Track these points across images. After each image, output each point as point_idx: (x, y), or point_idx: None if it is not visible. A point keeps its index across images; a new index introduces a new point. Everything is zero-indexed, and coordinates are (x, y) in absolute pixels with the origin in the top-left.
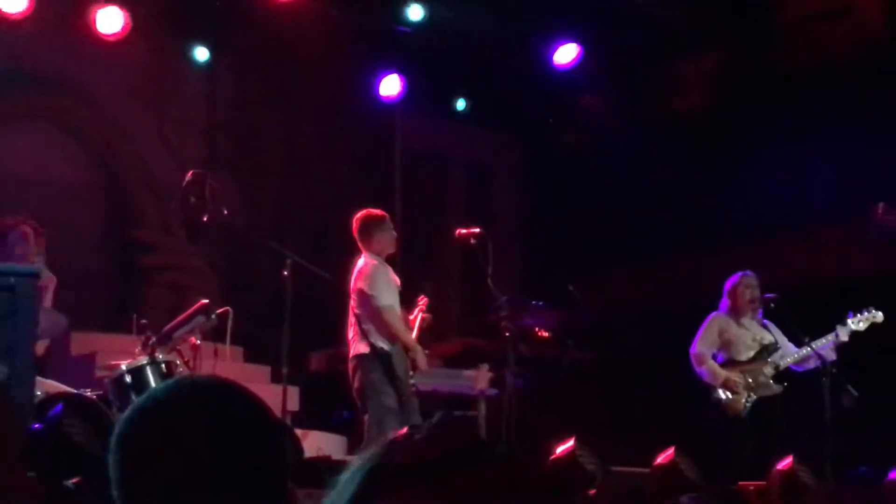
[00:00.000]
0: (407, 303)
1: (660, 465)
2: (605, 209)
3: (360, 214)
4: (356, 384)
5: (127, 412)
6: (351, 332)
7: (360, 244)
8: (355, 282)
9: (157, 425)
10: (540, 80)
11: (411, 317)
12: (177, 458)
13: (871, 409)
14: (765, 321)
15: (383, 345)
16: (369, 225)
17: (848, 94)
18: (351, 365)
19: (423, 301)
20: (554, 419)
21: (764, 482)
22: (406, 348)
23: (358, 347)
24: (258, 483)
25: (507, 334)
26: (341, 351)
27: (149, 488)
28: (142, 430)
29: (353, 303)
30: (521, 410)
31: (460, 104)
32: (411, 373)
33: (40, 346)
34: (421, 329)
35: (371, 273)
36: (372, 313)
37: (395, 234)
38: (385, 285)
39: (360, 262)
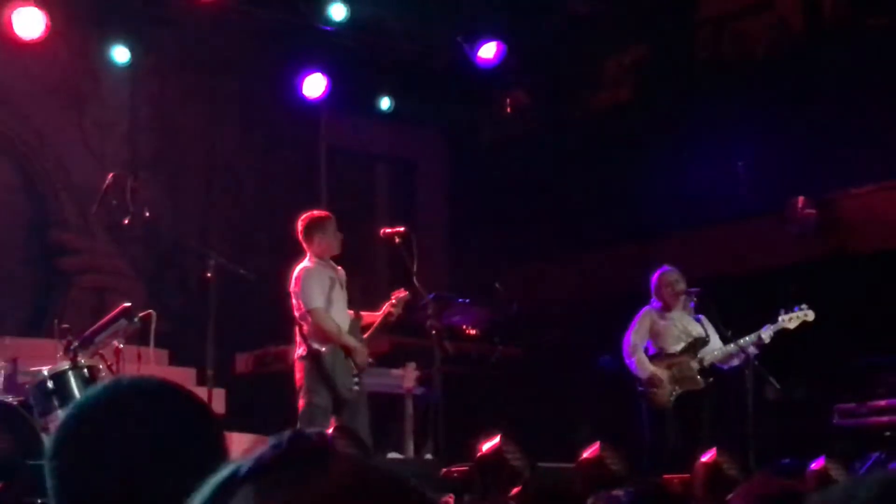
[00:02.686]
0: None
1: (585, 459)
2: (530, 205)
3: (303, 216)
4: (296, 383)
5: (62, 418)
6: (296, 334)
7: (303, 245)
8: (292, 285)
9: (94, 429)
10: (464, 77)
11: (381, 310)
12: (117, 462)
13: (794, 401)
14: (697, 315)
15: (317, 346)
16: (311, 227)
17: (768, 87)
18: (294, 365)
19: (396, 295)
20: (481, 416)
21: (688, 475)
22: (344, 349)
23: (298, 348)
24: (201, 479)
25: (434, 332)
26: (268, 351)
27: (89, 494)
28: (79, 435)
29: (292, 306)
30: (448, 407)
31: (385, 103)
32: (355, 372)
33: None
34: (385, 323)
35: (302, 276)
36: (304, 315)
37: (339, 234)
38: (318, 287)
39: (300, 265)
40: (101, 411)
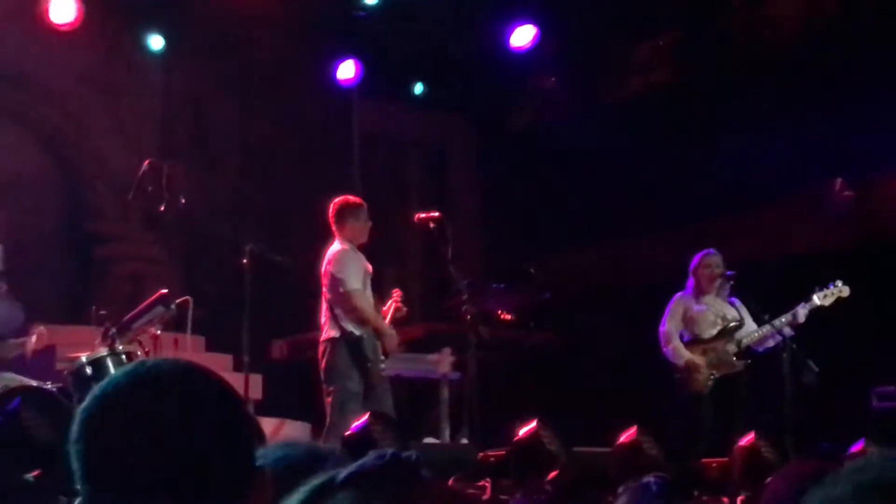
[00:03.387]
0: (378, 289)
1: (622, 444)
2: (563, 190)
3: (337, 200)
4: (323, 366)
5: (87, 400)
6: (323, 317)
7: (333, 229)
8: (326, 266)
9: (120, 411)
10: (496, 62)
11: (384, 307)
12: (143, 443)
13: (833, 384)
14: (731, 299)
15: (353, 329)
16: (345, 211)
17: (806, 70)
18: (321, 348)
19: (397, 294)
20: (516, 401)
21: (726, 459)
22: (377, 332)
23: (329, 331)
24: (228, 461)
25: (468, 318)
26: (303, 337)
27: (116, 476)
28: (105, 417)
29: (324, 287)
30: (484, 393)
31: (417, 88)
32: (382, 357)
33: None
34: (393, 319)
35: (341, 257)
36: (341, 297)
37: (369, 223)
38: (355, 270)
39: (332, 247)
40: (124, 393)
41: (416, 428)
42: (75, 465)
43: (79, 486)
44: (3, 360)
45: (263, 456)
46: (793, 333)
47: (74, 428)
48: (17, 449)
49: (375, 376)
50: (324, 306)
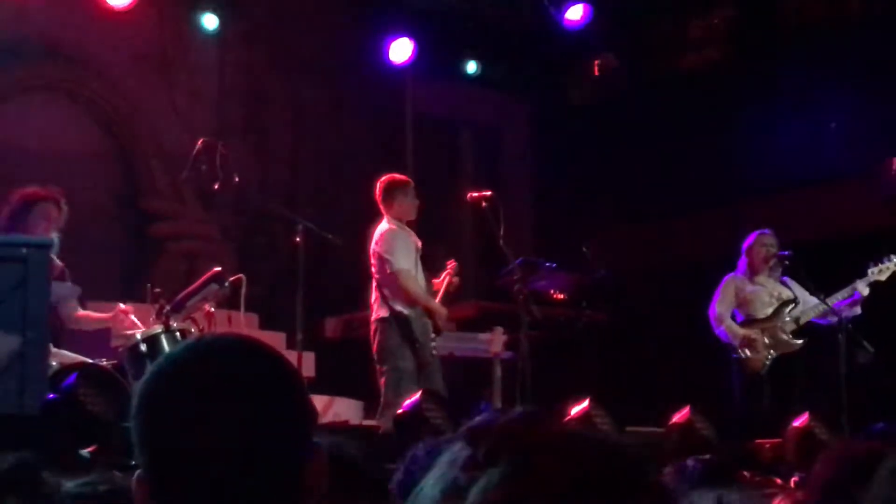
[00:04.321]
0: (430, 268)
1: (675, 424)
2: (616, 169)
3: (383, 178)
4: (375, 347)
5: (147, 374)
6: (372, 296)
7: (381, 207)
8: (374, 246)
9: (179, 385)
10: (550, 40)
11: (437, 280)
12: (202, 417)
13: (889, 365)
14: (783, 278)
15: (402, 308)
16: (392, 189)
17: (859, 48)
18: (372, 328)
19: (451, 265)
20: (568, 381)
21: (780, 440)
22: (427, 310)
23: (378, 311)
24: (285, 436)
25: (521, 297)
26: (357, 316)
27: (175, 450)
28: (165, 391)
29: (372, 267)
30: (537, 372)
31: (471, 67)
32: (433, 335)
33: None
34: (447, 293)
35: (388, 237)
36: (389, 277)
37: (416, 201)
38: (403, 249)
39: (380, 226)
40: (183, 368)
41: (469, 407)
42: (135, 438)
43: (137, 460)
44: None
45: None
46: (859, 313)
47: (134, 402)
48: (73, 425)
49: (426, 355)
50: (373, 285)
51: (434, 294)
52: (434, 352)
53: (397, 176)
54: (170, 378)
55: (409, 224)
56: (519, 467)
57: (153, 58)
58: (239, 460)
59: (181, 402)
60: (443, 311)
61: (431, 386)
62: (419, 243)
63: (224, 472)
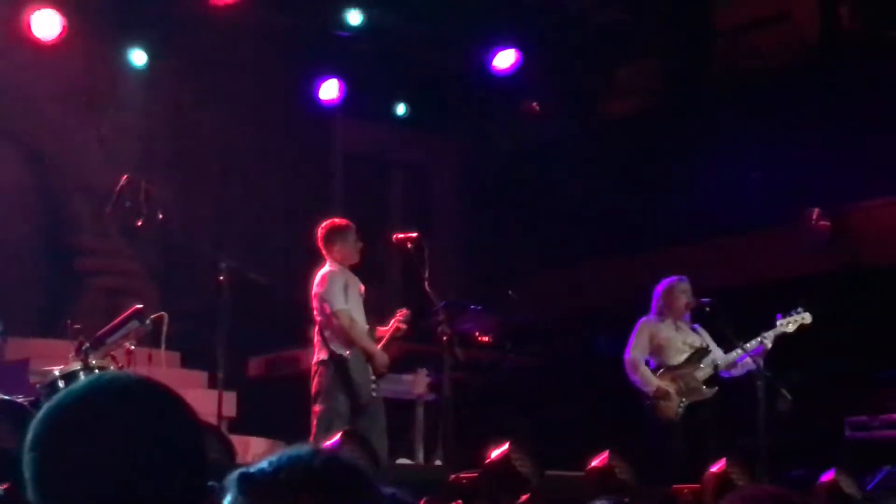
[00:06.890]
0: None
1: (594, 468)
2: (543, 212)
3: (324, 223)
4: (313, 388)
5: (44, 409)
6: (315, 339)
7: (323, 252)
8: (315, 287)
9: (73, 423)
10: (479, 83)
11: (383, 328)
12: (92, 456)
13: (806, 413)
14: (694, 325)
15: (340, 351)
16: (331, 234)
17: (783, 100)
18: (312, 370)
19: (402, 313)
20: (491, 423)
21: (698, 485)
22: (365, 353)
23: (318, 353)
24: (176, 481)
25: (445, 339)
26: (280, 355)
27: (65, 486)
28: (58, 427)
29: (314, 310)
30: (458, 414)
31: (400, 108)
32: (373, 377)
33: None
34: (393, 338)
35: (328, 278)
36: (328, 318)
37: (360, 244)
38: (340, 291)
39: (322, 269)
40: (79, 404)
41: (391, 449)
42: (27, 473)
43: (30, 496)
44: None
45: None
46: (761, 364)
47: (28, 436)
48: None
49: (364, 397)
50: (315, 329)
51: (378, 340)
52: (374, 393)
53: (337, 221)
54: (64, 414)
55: (352, 268)
56: None
57: (80, 92)
58: (127, 498)
59: (73, 438)
60: (382, 357)
61: (375, 427)
62: (362, 287)
63: None
